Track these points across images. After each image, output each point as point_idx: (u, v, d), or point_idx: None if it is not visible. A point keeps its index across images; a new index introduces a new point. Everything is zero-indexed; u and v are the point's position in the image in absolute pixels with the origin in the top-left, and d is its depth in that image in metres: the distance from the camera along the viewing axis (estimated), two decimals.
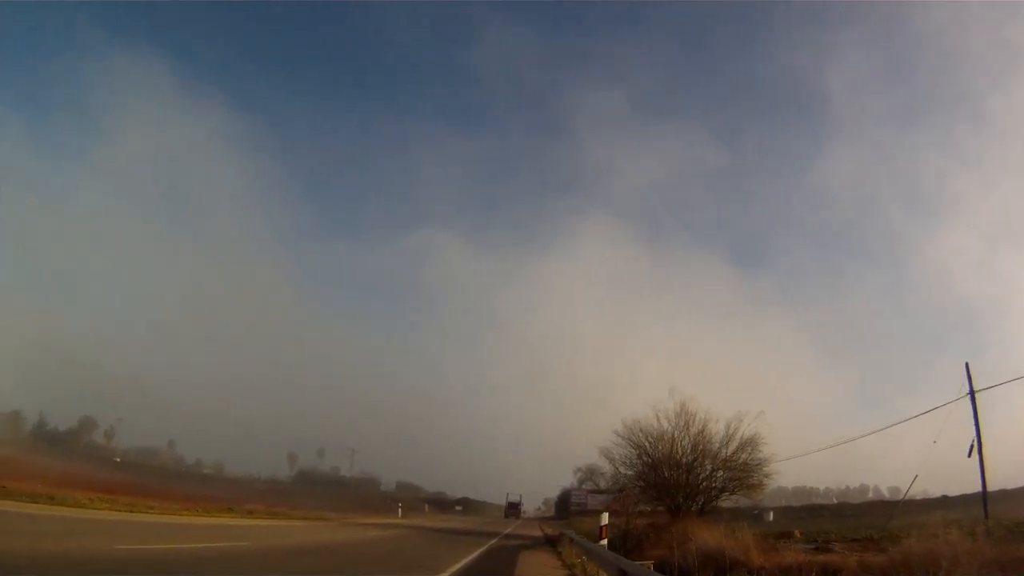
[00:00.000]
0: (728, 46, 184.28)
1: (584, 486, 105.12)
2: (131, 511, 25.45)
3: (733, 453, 29.13)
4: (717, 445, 29.40)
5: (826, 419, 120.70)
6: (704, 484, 29.72)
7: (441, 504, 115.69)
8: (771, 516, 62.19)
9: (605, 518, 22.87)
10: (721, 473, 29.41)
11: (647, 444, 31.01)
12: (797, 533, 28.83)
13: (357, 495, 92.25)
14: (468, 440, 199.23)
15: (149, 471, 75.80)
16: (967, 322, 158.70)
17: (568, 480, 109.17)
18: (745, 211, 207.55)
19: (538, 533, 48.01)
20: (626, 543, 25.05)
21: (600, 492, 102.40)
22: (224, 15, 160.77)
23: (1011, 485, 38.32)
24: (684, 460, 29.76)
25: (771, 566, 17.16)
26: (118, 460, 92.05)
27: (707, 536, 20.17)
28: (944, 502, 43.05)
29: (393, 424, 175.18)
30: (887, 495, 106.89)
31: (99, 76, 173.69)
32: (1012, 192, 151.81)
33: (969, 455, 27.98)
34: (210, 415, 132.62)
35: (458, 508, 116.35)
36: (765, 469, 28.76)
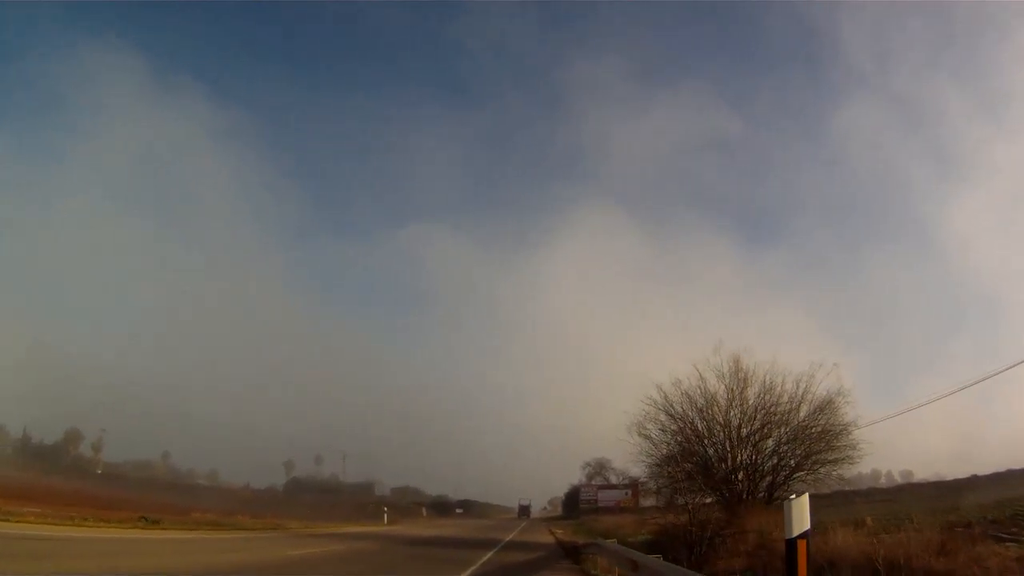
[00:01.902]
0: None
1: (593, 482, 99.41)
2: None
3: (807, 419, 22.35)
4: (786, 409, 22.66)
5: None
6: (772, 462, 22.88)
7: (442, 508, 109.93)
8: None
9: None
10: (792, 446, 22.54)
11: (693, 413, 24.14)
12: (869, 520, 22.08)
13: (351, 501, 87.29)
14: (472, 441, 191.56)
15: (132, 483, 72.58)
16: (985, 297, 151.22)
17: (576, 477, 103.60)
18: (756, 185, 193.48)
19: (548, 539, 40.66)
20: (691, 550, 18.09)
21: (611, 487, 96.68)
22: (198, 3, 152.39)
23: None
24: (744, 431, 22.92)
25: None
26: (99, 472, 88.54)
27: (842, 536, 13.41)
28: (974, 482, 40.40)
29: (395, 427, 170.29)
30: (899, 479, 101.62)
31: (70, 74, 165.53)
32: None
33: None
34: (206, 424, 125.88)
35: (459, 511, 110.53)
36: (850, 438, 22.07)
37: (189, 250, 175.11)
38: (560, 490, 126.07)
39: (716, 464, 23.53)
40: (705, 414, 23.75)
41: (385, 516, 58.85)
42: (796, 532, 8.85)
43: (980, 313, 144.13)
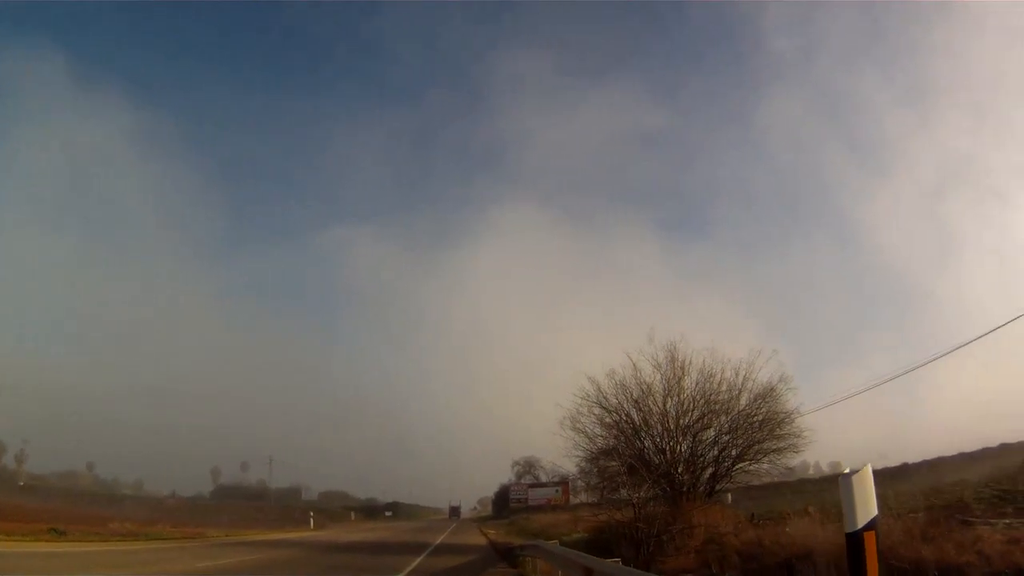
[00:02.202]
0: None
1: (523, 480, 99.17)
2: None
3: (748, 407, 22.27)
4: (726, 397, 22.50)
5: None
6: (712, 453, 22.67)
7: (371, 511, 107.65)
8: (729, 498, 56.23)
9: None
10: (734, 436, 22.38)
11: (628, 405, 23.72)
12: (809, 510, 22.27)
13: (278, 508, 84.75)
14: (400, 443, 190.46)
15: (54, 494, 69.93)
16: (904, 287, 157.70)
17: (505, 476, 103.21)
18: (682, 177, 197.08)
19: (480, 540, 39.39)
20: (638, 548, 17.50)
21: (541, 485, 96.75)
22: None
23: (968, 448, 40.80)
24: (683, 421, 22.64)
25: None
26: (21, 484, 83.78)
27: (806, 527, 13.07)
28: (905, 470, 41.21)
29: (323, 432, 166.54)
30: (827, 470, 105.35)
31: None
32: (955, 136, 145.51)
33: None
34: (133, 433, 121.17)
35: (388, 514, 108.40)
36: (794, 426, 22.10)
37: (111, 256, 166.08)
38: (489, 490, 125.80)
39: (654, 456, 23.22)
40: (641, 405, 23.44)
41: (311, 521, 56.77)
42: (861, 522, 6.26)
43: (900, 303, 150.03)
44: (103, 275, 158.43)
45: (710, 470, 22.82)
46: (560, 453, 26.18)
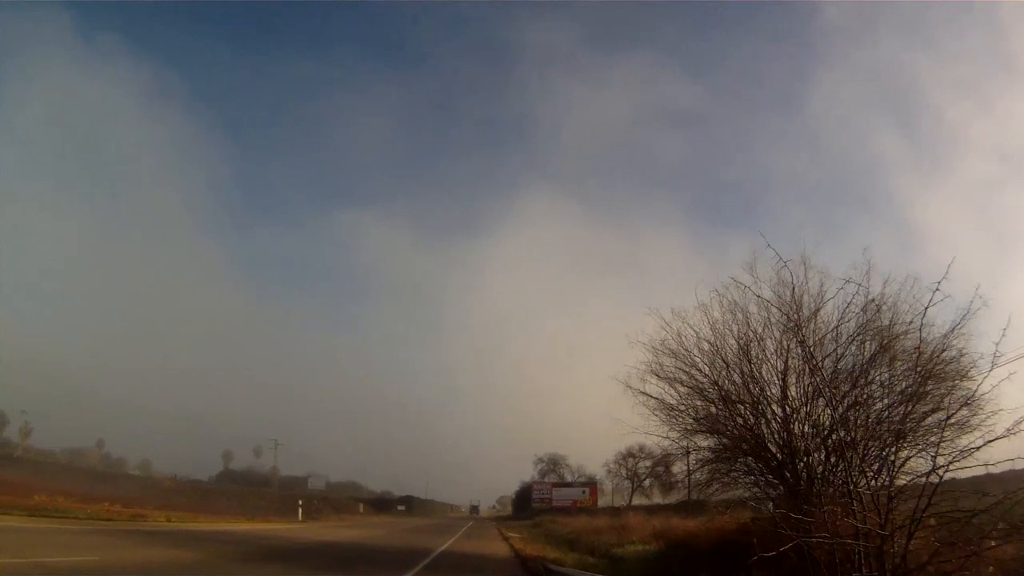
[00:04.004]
0: None
1: (547, 479, 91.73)
2: None
3: (934, 354, 13.25)
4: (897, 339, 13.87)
5: None
6: (880, 430, 14.11)
7: (383, 504, 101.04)
8: (771, 507, 47.29)
9: None
10: (907, 407, 13.68)
11: (720, 362, 15.48)
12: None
13: (281, 495, 79.31)
14: (420, 438, 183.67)
15: (44, 468, 69.21)
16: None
17: (527, 473, 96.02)
18: (716, 161, 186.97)
19: (501, 548, 29.92)
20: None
21: (567, 485, 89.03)
22: None
23: None
24: (812, 384, 14.28)
25: None
26: (17, 456, 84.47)
27: None
28: None
29: (341, 423, 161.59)
30: None
31: None
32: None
33: None
34: (146, 412, 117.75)
35: (400, 508, 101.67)
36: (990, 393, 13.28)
37: (122, 230, 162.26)
38: (510, 488, 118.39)
39: (772, 437, 15.23)
40: (743, 364, 15.43)
41: (300, 511, 49.64)
42: None
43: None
44: (116, 249, 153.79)
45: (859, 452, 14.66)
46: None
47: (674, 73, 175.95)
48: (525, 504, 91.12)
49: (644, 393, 16.34)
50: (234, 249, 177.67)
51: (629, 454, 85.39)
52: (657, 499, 79.80)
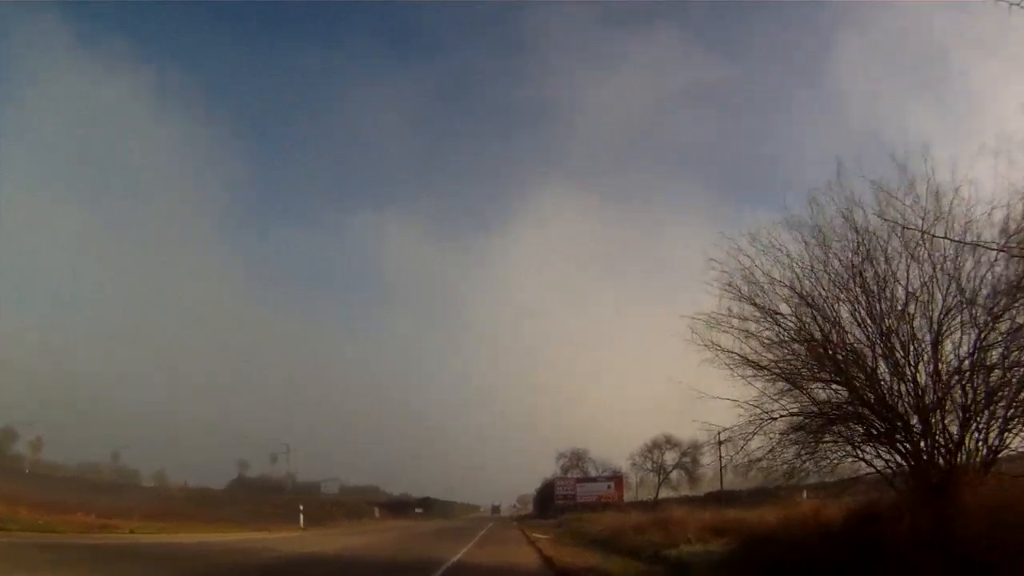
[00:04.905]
0: None
1: (570, 474, 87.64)
2: None
3: None
4: None
5: None
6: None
7: (400, 508, 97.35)
8: (804, 496, 42.71)
9: None
10: None
11: (823, 293, 11.47)
12: None
13: (295, 502, 76.12)
14: (439, 440, 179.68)
15: (51, 483, 63.25)
16: None
17: (549, 469, 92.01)
18: (732, 141, 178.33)
19: (526, 555, 24.20)
20: None
21: (591, 480, 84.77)
22: None
23: None
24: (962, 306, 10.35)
25: None
26: (27, 472, 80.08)
27: None
28: None
29: (361, 426, 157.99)
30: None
31: None
32: None
33: None
34: (163, 423, 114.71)
35: (418, 511, 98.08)
36: None
37: (130, 235, 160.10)
38: (531, 487, 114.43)
39: (891, 393, 11.23)
40: (854, 291, 11.47)
41: (301, 518, 46.09)
42: None
43: None
44: (126, 253, 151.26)
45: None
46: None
47: (696, 49, 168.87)
48: (548, 502, 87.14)
49: (716, 346, 12.40)
50: (250, 252, 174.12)
51: (655, 445, 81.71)
52: (685, 491, 76.08)
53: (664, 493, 78.24)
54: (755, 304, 12.46)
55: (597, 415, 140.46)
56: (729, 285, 12.34)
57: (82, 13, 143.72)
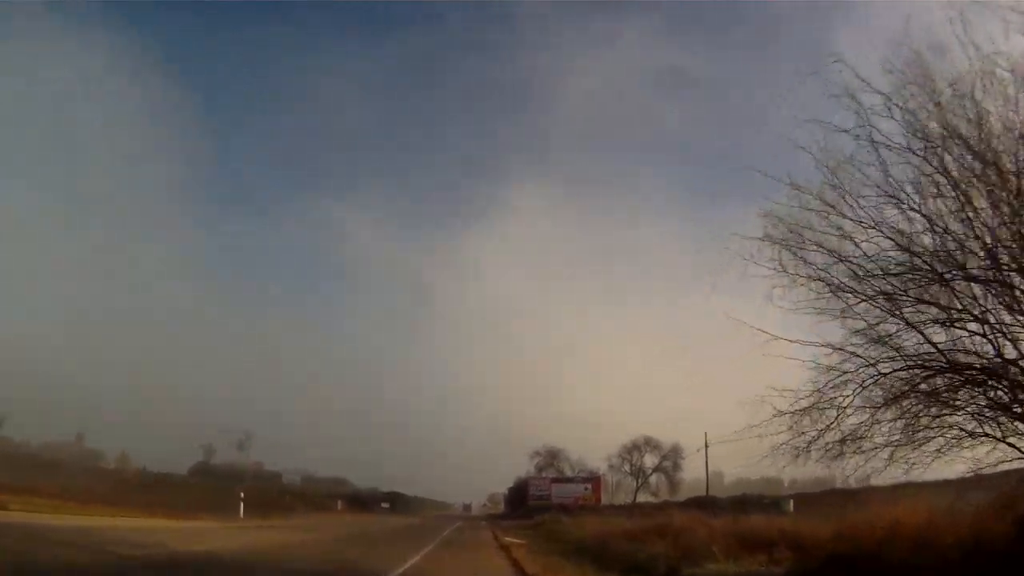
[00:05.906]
0: None
1: (545, 473, 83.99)
2: None
3: None
4: None
5: None
6: None
7: (364, 502, 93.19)
8: (791, 505, 39.82)
9: None
10: None
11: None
12: None
13: (251, 490, 72.20)
14: (414, 434, 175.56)
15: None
16: None
17: (524, 469, 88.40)
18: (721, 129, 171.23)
19: (496, 563, 20.26)
20: None
21: (568, 480, 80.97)
22: None
23: None
24: None
25: None
26: None
27: None
28: None
29: (333, 418, 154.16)
30: (853, 484, 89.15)
31: None
32: None
33: None
34: (130, 407, 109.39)
35: (384, 506, 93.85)
36: None
37: (89, 214, 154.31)
38: (504, 486, 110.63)
39: None
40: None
41: (241, 507, 42.42)
42: None
43: None
44: (84, 237, 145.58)
45: None
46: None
47: (684, 31, 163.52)
48: (520, 501, 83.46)
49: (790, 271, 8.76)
50: (219, 238, 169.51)
51: (634, 447, 79.00)
52: (665, 496, 73.29)
53: (642, 497, 75.45)
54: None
55: (574, 413, 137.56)
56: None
57: None
